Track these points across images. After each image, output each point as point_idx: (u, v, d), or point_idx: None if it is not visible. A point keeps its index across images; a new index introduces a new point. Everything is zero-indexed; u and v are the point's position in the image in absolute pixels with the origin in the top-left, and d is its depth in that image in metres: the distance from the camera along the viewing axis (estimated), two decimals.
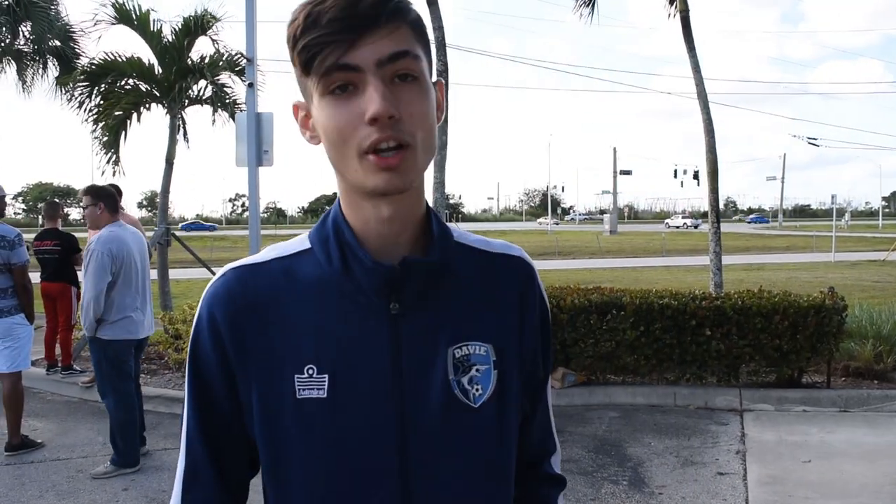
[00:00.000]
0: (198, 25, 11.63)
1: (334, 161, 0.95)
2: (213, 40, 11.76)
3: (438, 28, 10.07)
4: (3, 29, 13.25)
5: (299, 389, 0.96)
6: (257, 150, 8.36)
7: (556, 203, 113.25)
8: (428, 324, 0.99)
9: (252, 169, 8.41)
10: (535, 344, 1.09)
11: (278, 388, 0.97)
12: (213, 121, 12.26)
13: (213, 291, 1.01)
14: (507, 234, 56.12)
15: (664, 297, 6.93)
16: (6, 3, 13.26)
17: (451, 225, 1.08)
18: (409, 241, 1.00)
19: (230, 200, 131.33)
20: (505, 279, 1.07)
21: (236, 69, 11.43)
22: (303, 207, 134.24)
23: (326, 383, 0.96)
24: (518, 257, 1.10)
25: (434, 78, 0.99)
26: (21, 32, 13.83)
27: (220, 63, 11.60)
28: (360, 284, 0.97)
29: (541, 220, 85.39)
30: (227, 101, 11.88)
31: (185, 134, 12.49)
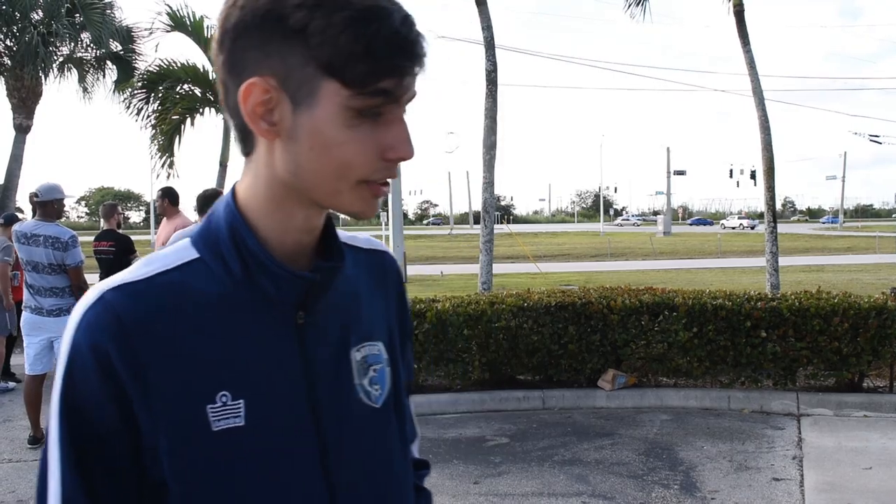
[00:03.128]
0: None
1: (320, 178, 0.86)
2: None
3: (487, 28, 10.06)
4: (66, 35, 13.64)
5: (214, 421, 0.86)
6: None
7: (608, 204, 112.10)
8: (330, 330, 0.95)
9: None
10: (407, 337, 1.11)
11: (190, 422, 0.85)
12: None
13: (92, 318, 0.85)
14: (560, 236, 55.72)
15: (718, 298, 6.78)
16: (64, 8, 13.69)
17: None
18: (314, 248, 0.96)
19: None
20: (381, 276, 1.06)
21: None
22: None
23: (243, 409, 0.87)
24: (388, 253, 1.10)
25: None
26: (81, 40, 14.25)
27: None
28: (267, 296, 0.90)
29: (619, 220, 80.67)
30: None
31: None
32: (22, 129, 14.65)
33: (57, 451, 0.85)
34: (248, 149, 0.91)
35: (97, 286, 0.89)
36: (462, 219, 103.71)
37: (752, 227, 73.74)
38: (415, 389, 6.78)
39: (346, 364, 0.96)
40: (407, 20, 0.83)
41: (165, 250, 0.92)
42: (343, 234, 1.03)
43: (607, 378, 6.81)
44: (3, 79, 14.79)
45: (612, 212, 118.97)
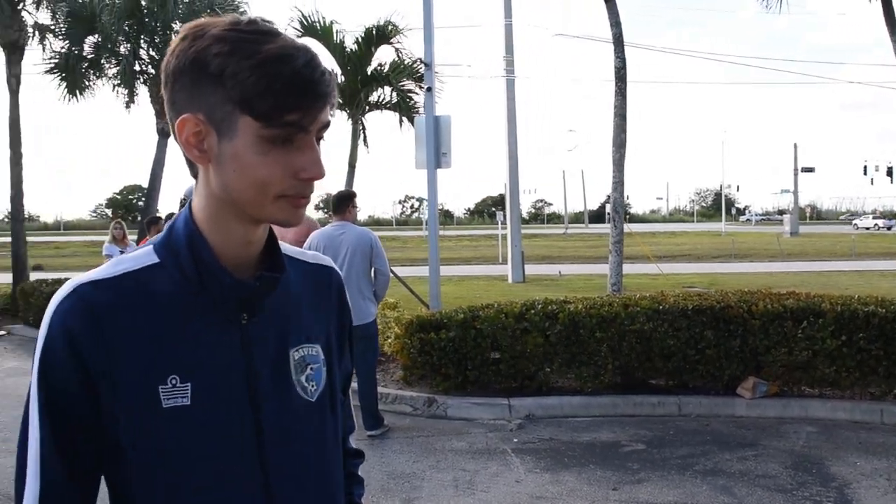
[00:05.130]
0: (380, 35, 12.10)
1: (244, 195, 1.01)
2: (396, 49, 12.21)
3: (616, 24, 9.88)
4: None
5: (164, 399, 1.01)
6: (436, 153, 8.56)
7: (730, 203, 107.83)
8: (272, 330, 1.10)
9: (431, 171, 8.61)
10: (346, 342, 1.26)
11: (145, 398, 1.01)
12: (401, 124, 12.74)
13: (67, 307, 1.01)
14: (679, 236, 54.13)
15: (869, 305, 6.40)
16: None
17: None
18: (258, 258, 1.11)
19: (400, 202, 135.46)
20: (325, 287, 1.22)
21: (416, 75, 11.78)
22: (469, 209, 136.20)
23: (190, 391, 1.02)
24: (333, 268, 1.26)
25: None
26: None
27: (402, 69, 12.00)
28: (215, 299, 1.06)
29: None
30: (412, 105, 12.28)
31: (364, 139, 13.05)
32: (164, 134, 15.52)
33: (35, 414, 1.02)
34: (194, 172, 1.07)
35: (71, 280, 1.05)
36: (577, 218, 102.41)
37: (889, 228, 69.23)
38: (546, 391, 6.76)
39: (285, 361, 1.11)
40: (310, 63, 0.98)
41: (132, 254, 1.09)
42: (291, 248, 1.21)
43: (747, 386, 6.55)
44: (147, 87, 15.72)
45: (733, 210, 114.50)
